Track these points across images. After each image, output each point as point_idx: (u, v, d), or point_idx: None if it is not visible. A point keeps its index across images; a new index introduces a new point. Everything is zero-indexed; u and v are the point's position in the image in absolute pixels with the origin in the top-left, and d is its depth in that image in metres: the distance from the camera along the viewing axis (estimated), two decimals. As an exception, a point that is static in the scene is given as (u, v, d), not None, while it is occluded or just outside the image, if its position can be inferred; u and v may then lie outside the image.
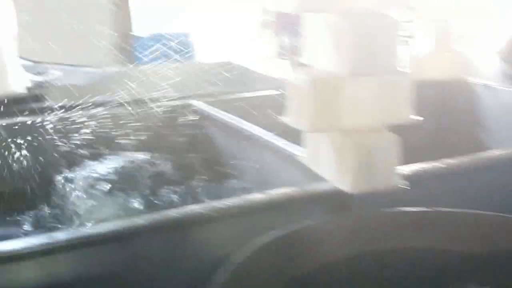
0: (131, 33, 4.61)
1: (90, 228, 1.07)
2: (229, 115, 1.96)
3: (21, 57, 2.38)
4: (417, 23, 2.13)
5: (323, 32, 1.13)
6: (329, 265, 0.99)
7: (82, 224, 1.61)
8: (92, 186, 1.89)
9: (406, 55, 1.13)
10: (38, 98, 2.15)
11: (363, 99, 1.14)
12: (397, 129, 1.19)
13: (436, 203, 1.18)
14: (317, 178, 1.28)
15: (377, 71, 1.08)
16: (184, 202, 1.83)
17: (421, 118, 1.20)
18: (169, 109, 2.15)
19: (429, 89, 2.08)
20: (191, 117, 2.14)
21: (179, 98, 2.21)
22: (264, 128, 1.77)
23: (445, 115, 2.19)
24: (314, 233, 1.00)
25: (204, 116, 2.08)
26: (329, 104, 1.11)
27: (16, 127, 1.95)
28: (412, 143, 1.30)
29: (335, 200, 1.25)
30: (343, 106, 1.12)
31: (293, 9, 1.08)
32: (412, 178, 1.23)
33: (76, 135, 1.99)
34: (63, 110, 2.05)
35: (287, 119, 1.19)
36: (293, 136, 1.42)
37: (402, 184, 1.18)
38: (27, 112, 2.02)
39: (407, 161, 1.25)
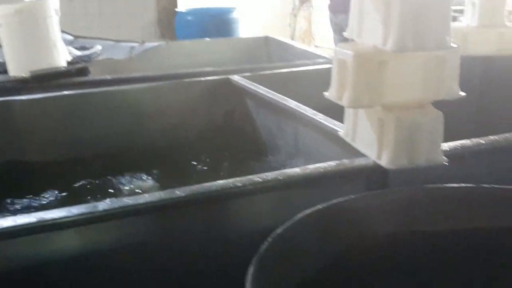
0: (175, 8, 4.60)
1: (130, 199, 1.08)
2: (268, 89, 1.95)
3: (62, 31, 2.41)
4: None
5: (369, 6, 1.10)
6: (368, 240, 0.98)
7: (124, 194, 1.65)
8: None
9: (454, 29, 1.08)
10: (79, 72, 2.18)
11: (408, 74, 1.11)
12: (440, 105, 1.16)
13: (477, 180, 1.15)
14: (355, 153, 1.27)
15: (426, 46, 1.05)
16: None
17: (464, 94, 1.16)
18: (208, 83, 2.15)
19: (475, 65, 2.02)
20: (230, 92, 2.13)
21: (218, 73, 2.21)
22: (303, 103, 1.76)
23: (491, 91, 2.14)
24: (355, 208, 0.99)
25: (243, 90, 2.08)
26: (372, 79, 1.09)
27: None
28: (456, 119, 1.26)
29: (373, 176, 1.23)
30: (386, 82, 1.10)
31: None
32: (453, 155, 1.21)
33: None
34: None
35: (328, 93, 1.18)
36: (333, 111, 1.41)
37: (443, 160, 1.15)
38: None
39: (449, 137, 1.22)
